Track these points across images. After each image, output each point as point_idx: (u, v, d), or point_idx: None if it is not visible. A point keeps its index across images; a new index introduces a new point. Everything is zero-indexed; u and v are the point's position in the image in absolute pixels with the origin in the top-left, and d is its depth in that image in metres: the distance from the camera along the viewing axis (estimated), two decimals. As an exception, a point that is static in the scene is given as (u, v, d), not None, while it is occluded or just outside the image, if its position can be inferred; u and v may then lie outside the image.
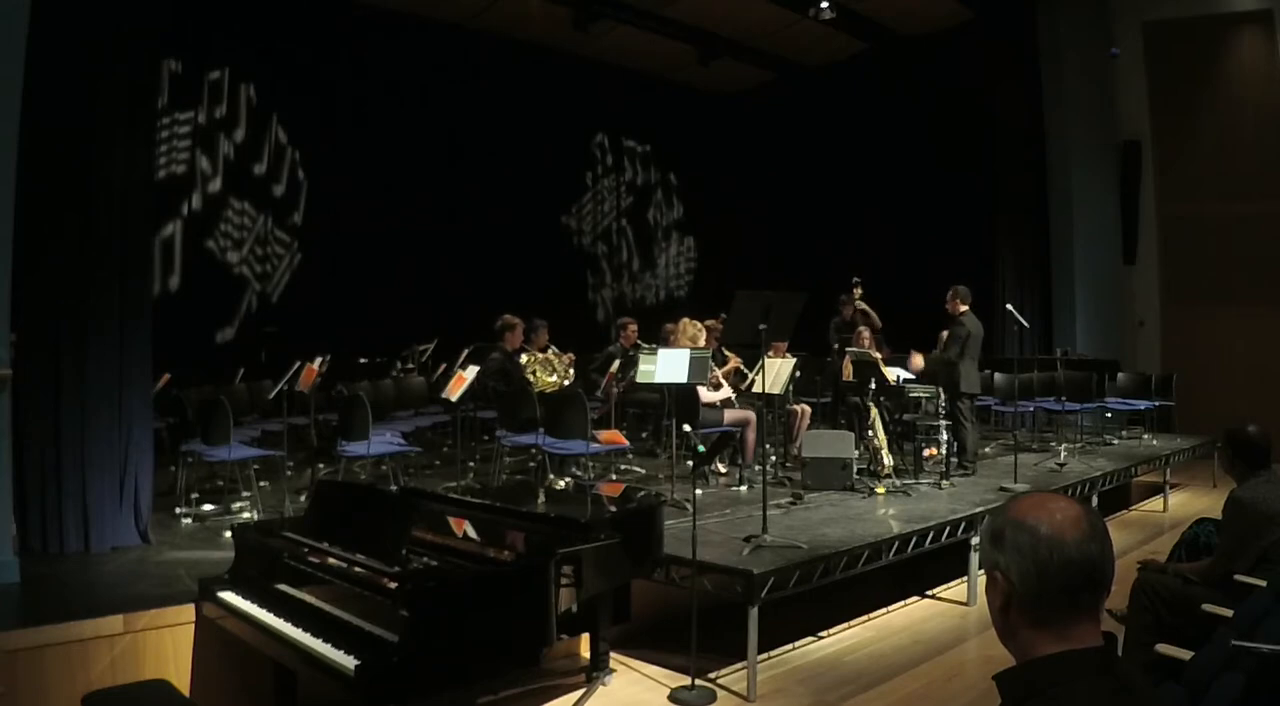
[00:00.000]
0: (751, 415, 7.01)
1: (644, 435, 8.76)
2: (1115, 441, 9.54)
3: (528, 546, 3.54)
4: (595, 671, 4.11)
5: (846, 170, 13.47)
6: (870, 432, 7.10)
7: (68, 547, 4.89)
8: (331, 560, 3.34)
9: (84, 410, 4.94)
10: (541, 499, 4.84)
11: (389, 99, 11.17)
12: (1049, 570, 1.35)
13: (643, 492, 4.90)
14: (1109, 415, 10.09)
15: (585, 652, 4.41)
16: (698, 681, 4.36)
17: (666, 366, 5.93)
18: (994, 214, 11.97)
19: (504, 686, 3.51)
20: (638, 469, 7.69)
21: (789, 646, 5.02)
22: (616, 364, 8.16)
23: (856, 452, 7.08)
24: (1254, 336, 11.35)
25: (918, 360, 7.59)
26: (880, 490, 6.58)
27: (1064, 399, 9.32)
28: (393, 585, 3.00)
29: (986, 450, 8.57)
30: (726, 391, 7.16)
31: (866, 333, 8.51)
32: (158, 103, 8.19)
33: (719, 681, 4.48)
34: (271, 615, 3.36)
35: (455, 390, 6.90)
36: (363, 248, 10.74)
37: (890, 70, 12.87)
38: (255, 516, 5.86)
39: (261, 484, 6.64)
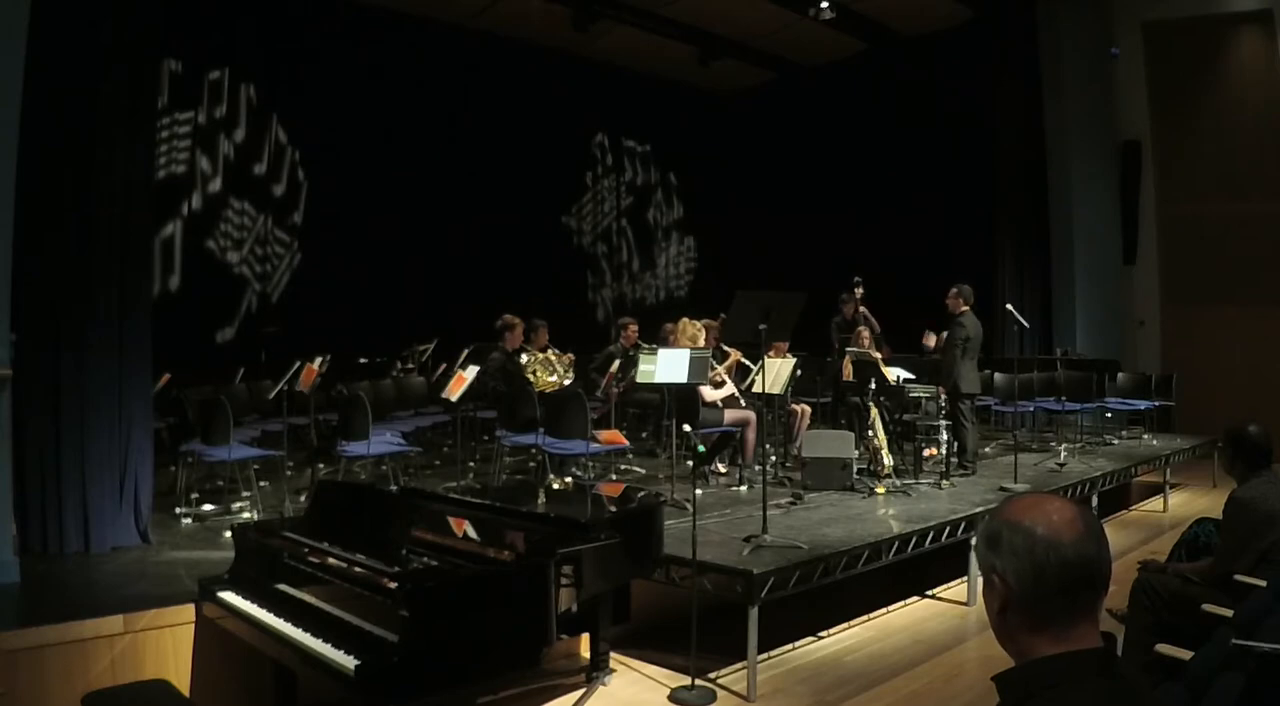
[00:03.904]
0: (751, 415, 7.01)
1: (644, 435, 8.76)
2: (1115, 441, 9.54)
3: (528, 546, 3.53)
4: (595, 671, 4.10)
5: (846, 170, 13.46)
6: (870, 432, 7.10)
7: (68, 547, 4.89)
8: (331, 560, 3.33)
9: (84, 410, 4.95)
10: (541, 499, 4.84)
11: (389, 99, 11.15)
12: (1046, 571, 1.34)
13: (643, 492, 4.89)
14: (1109, 415, 10.08)
15: (585, 652, 4.40)
16: (698, 681, 4.36)
17: (666, 366, 5.93)
18: (994, 214, 11.97)
19: (504, 686, 3.50)
20: (638, 469, 7.69)
21: (789, 646, 5.03)
22: (616, 364, 8.15)
23: (856, 452, 7.08)
24: (1254, 336, 11.34)
25: (931, 339, 7.64)
26: (880, 490, 6.59)
27: (1064, 399, 9.31)
28: (392, 585, 3.00)
29: (986, 450, 8.56)
30: (729, 388, 7.15)
31: (866, 332, 8.51)
32: (158, 103, 8.18)
33: (719, 681, 4.48)
34: (271, 615, 3.36)
35: (455, 390, 6.91)
36: (363, 248, 10.74)
37: (890, 70, 12.87)
38: (255, 516, 5.87)
39: (261, 484, 6.64)
